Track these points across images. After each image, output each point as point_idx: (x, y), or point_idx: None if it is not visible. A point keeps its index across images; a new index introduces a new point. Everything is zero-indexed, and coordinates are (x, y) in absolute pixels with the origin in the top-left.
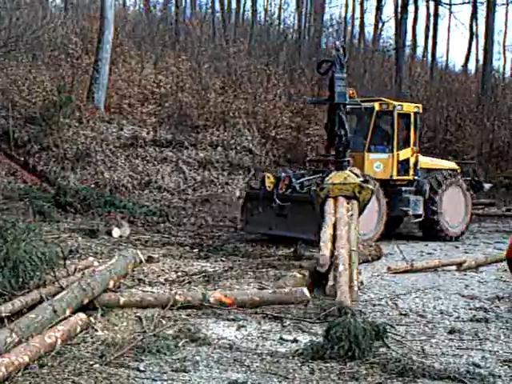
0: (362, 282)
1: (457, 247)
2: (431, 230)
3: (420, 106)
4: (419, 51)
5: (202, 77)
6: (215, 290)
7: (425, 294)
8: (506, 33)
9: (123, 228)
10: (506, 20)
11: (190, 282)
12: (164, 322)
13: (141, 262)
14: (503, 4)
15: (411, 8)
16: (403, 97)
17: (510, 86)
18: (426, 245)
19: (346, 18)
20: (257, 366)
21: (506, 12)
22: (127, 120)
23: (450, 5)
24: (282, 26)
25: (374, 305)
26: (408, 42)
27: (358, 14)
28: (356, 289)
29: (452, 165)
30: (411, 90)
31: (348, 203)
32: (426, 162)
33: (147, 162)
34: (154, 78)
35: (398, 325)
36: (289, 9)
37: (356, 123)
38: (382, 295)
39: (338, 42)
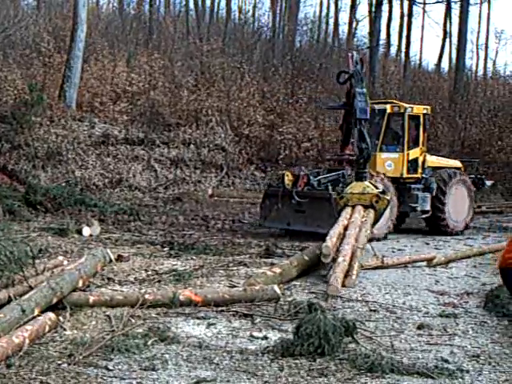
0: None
1: (427, 243)
2: (437, 225)
3: (429, 107)
4: (393, 50)
5: (175, 75)
6: (185, 288)
7: (395, 290)
8: (479, 32)
9: (93, 227)
10: (480, 19)
11: (160, 281)
12: (133, 320)
13: (110, 260)
14: (476, 3)
15: (385, 7)
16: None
17: (481, 84)
18: (398, 241)
19: (320, 16)
20: (226, 364)
21: (480, 11)
22: (99, 118)
23: (424, 4)
24: (256, 25)
25: (344, 301)
26: (382, 41)
27: (332, 13)
28: (354, 277)
29: (456, 163)
30: (384, 89)
31: (364, 211)
32: (433, 160)
33: (118, 161)
34: (126, 76)
35: (367, 321)
36: (263, 7)
37: (369, 124)
38: (352, 291)
39: (355, 54)
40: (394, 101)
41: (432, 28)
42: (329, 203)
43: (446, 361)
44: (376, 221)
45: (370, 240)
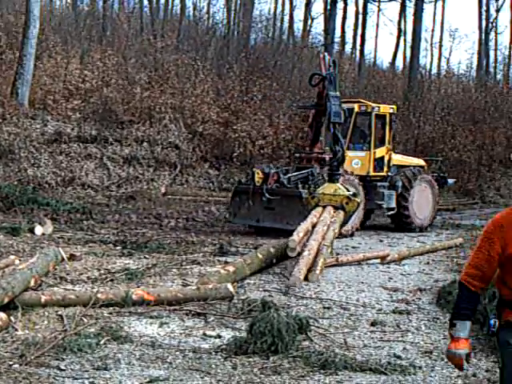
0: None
1: (381, 240)
2: (402, 222)
3: (394, 106)
4: (348, 47)
5: (129, 72)
6: (138, 287)
7: (348, 287)
8: (433, 30)
9: (46, 225)
10: (434, 18)
11: (112, 280)
12: (86, 320)
13: (63, 259)
14: (431, 2)
15: (340, 5)
16: None
17: (435, 83)
18: (352, 239)
19: (275, 13)
20: (179, 363)
21: (434, 10)
22: (51, 116)
23: (379, 2)
24: (210, 22)
25: (298, 298)
26: (337, 39)
27: (287, 10)
28: (318, 273)
29: (420, 162)
30: (339, 86)
31: (334, 212)
32: (398, 159)
33: (71, 159)
34: (79, 73)
35: (321, 318)
36: (218, 4)
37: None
38: (305, 289)
39: (327, 56)
40: (361, 100)
41: (386, 26)
42: (299, 200)
43: (399, 357)
44: (345, 222)
45: (337, 237)
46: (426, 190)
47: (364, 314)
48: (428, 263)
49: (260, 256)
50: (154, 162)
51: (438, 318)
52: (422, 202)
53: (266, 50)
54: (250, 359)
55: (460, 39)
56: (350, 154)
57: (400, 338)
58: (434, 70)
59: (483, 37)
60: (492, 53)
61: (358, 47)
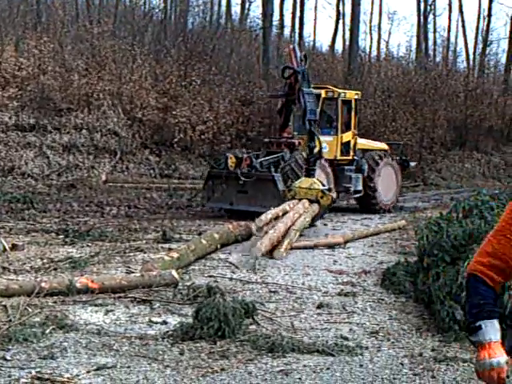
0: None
1: (325, 224)
2: (368, 204)
3: (359, 92)
4: (286, 31)
5: (65, 59)
6: (82, 275)
7: (294, 271)
8: (371, 13)
9: None
10: (372, 0)
11: (56, 269)
12: (30, 309)
13: (5, 249)
14: None
15: None
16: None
17: (375, 66)
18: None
19: None
20: (126, 350)
21: None
22: None
23: None
24: (147, 6)
25: (244, 283)
26: (275, 22)
27: None
28: (282, 251)
29: (383, 146)
30: (279, 70)
31: (309, 205)
32: (363, 143)
33: (10, 148)
34: (14, 60)
35: (267, 302)
36: None
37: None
38: (252, 273)
39: (297, 49)
40: (328, 86)
41: (325, 9)
42: (272, 184)
43: (346, 338)
44: (320, 216)
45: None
46: (390, 173)
47: (310, 297)
48: (372, 246)
49: (204, 242)
50: (93, 149)
51: (383, 299)
52: (386, 184)
53: (204, 34)
54: (197, 344)
55: (399, 22)
56: None
57: (346, 320)
58: (374, 53)
59: (422, 19)
60: (431, 35)
61: (297, 30)
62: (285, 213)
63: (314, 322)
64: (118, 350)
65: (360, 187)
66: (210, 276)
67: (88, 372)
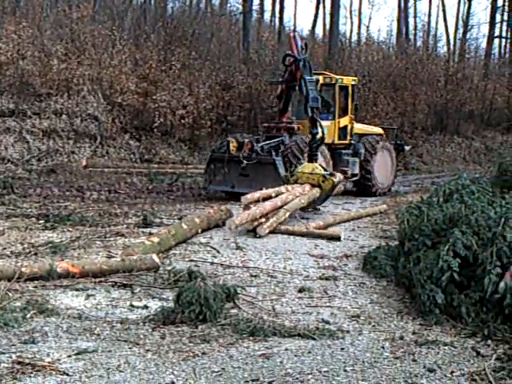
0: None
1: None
2: (365, 187)
3: (356, 78)
4: (267, 16)
5: (45, 44)
6: (62, 260)
7: (275, 255)
8: None
9: None
10: None
11: (36, 254)
12: (11, 294)
13: None
14: None
15: None
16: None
17: (356, 50)
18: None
19: None
20: (107, 334)
21: None
22: None
23: None
24: None
25: (225, 267)
26: (255, 7)
27: None
28: (265, 227)
29: (379, 130)
30: (259, 55)
31: (310, 189)
32: (359, 127)
33: None
34: None
35: (248, 286)
36: None
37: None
38: (233, 258)
39: (298, 38)
40: (326, 72)
41: None
42: (273, 167)
43: (327, 322)
44: (323, 200)
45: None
46: (386, 157)
47: (291, 281)
48: (353, 230)
49: (185, 226)
50: (73, 134)
51: (364, 283)
52: (382, 167)
53: (184, 19)
54: (179, 328)
55: (379, 6)
56: None
57: (327, 304)
58: (355, 38)
59: (402, 4)
60: (411, 20)
61: (277, 15)
62: (278, 194)
63: (295, 306)
64: (98, 334)
65: (357, 171)
66: (191, 260)
67: (69, 356)
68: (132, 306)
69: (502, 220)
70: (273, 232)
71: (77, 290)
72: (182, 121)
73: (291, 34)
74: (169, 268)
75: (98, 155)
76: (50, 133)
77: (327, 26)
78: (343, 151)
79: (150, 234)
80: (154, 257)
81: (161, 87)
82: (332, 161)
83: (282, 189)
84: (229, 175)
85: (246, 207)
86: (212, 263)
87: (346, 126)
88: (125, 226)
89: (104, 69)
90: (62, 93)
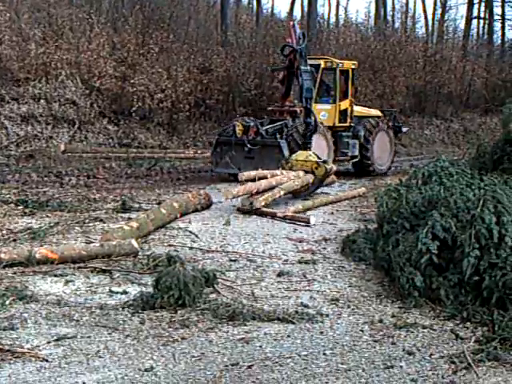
0: (227, 222)
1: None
2: (364, 168)
3: (356, 62)
4: None
5: (22, 28)
6: (41, 246)
7: (254, 240)
8: None
9: None
10: None
11: (15, 240)
12: None
13: None
14: None
15: None
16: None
17: (334, 32)
18: None
19: None
20: (86, 320)
21: None
22: None
23: None
24: None
25: (204, 252)
26: None
27: None
28: (260, 199)
29: (377, 112)
30: (237, 37)
31: (304, 175)
32: (358, 110)
33: None
34: None
35: (228, 270)
36: None
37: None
38: (212, 242)
39: (297, 26)
40: (327, 57)
41: None
42: (278, 149)
43: (306, 306)
44: (316, 187)
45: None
46: (384, 139)
47: (270, 265)
48: (332, 213)
49: (163, 211)
50: (52, 119)
51: (343, 267)
52: (381, 149)
53: (162, 2)
54: (158, 314)
55: None
56: (317, 106)
57: (307, 288)
58: (333, 20)
59: None
60: (389, 1)
61: None
62: (274, 176)
63: (274, 290)
64: (78, 320)
65: (357, 152)
66: (170, 245)
67: (48, 342)
68: (111, 291)
69: (481, 202)
70: (248, 213)
71: (56, 275)
72: (161, 105)
73: (290, 23)
74: (148, 253)
75: (77, 140)
76: (28, 118)
77: (305, 8)
78: (344, 133)
79: (129, 219)
80: (133, 242)
81: (139, 71)
82: (333, 142)
83: (277, 172)
84: (235, 158)
85: (239, 179)
86: (191, 248)
87: (346, 109)
88: (103, 211)
89: (82, 53)
90: (40, 77)
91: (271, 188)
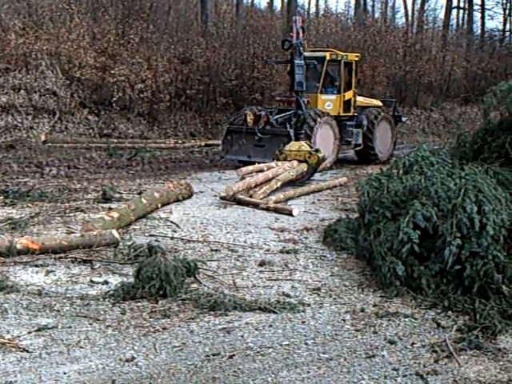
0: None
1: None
2: (367, 156)
3: (359, 54)
4: None
5: (2, 18)
6: (22, 236)
7: (235, 229)
8: None
9: None
10: None
11: None
12: None
13: None
14: None
15: None
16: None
17: (314, 22)
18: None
19: None
20: (67, 310)
21: None
22: None
23: None
24: None
25: (185, 242)
26: None
27: None
28: (259, 193)
29: (379, 102)
30: (217, 28)
31: (298, 165)
32: (361, 100)
33: None
34: None
35: (209, 260)
36: None
37: (311, 70)
38: (193, 232)
39: (298, 20)
40: (332, 49)
41: None
42: (287, 138)
43: (288, 295)
44: (311, 174)
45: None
46: (386, 128)
47: (252, 255)
48: (313, 203)
49: (144, 201)
50: (32, 109)
51: (324, 256)
52: (383, 138)
53: None
54: (139, 304)
55: None
56: (322, 97)
57: (288, 277)
58: (313, 10)
59: None
60: None
61: None
62: (270, 168)
63: (256, 280)
64: (59, 310)
65: (360, 141)
66: (151, 235)
67: (29, 333)
68: (92, 281)
69: (462, 191)
70: (232, 201)
71: (36, 266)
72: (141, 95)
73: (293, 18)
74: (129, 243)
75: (57, 130)
76: (8, 108)
77: None
78: (347, 123)
79: (110, 209)
80: (114, 232)
81: (119, 61)
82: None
83: (273, 164)
84: (245, 145)
85: (238, 173)
86: (172, 238)
87: (350, 100)
88: (84, 201)
89: (62, 43)
90: (20, 68)
91: (268, 180)
